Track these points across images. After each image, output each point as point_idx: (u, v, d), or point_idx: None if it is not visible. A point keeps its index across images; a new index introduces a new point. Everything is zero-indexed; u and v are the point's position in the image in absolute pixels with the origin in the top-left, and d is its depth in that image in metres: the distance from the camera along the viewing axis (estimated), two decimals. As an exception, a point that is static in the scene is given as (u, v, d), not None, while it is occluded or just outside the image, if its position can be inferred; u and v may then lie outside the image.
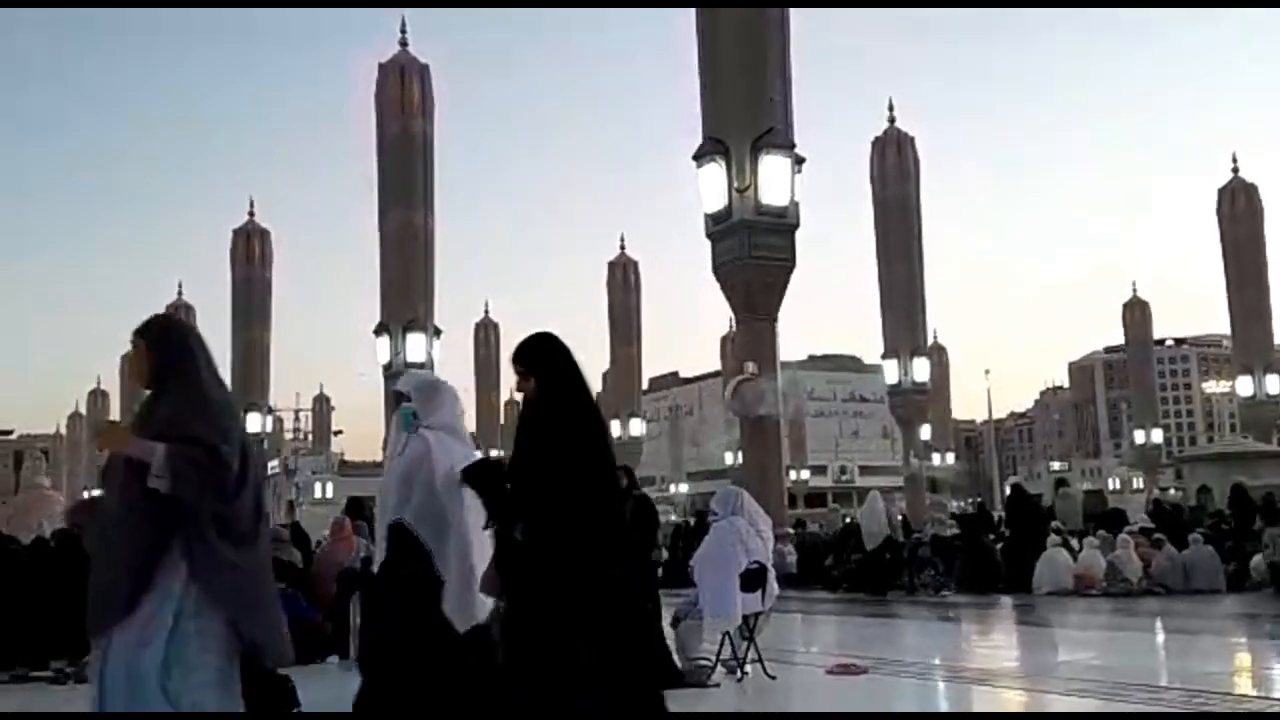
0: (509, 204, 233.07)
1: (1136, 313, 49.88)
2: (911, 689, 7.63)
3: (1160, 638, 11.86)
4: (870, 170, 34.02)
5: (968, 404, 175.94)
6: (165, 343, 3.64)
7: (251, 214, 38.17)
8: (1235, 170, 37.61)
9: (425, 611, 4.61)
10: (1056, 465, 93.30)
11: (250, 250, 37.71)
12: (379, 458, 47.73)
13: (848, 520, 24.66)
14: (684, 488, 64.10)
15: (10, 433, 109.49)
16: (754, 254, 16.96)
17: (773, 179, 16.92)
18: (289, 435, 69.88)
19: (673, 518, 37.09)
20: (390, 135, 27.15)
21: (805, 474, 63.00)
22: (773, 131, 17.01)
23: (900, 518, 20.55)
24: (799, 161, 17.28)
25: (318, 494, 48.36)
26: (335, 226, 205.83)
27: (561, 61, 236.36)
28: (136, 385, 3.72)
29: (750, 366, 17.19)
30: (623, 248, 45.62)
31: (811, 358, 79.19)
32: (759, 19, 17.79)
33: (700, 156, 17.45)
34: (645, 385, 53.62)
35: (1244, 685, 7.65)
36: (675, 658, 7.55)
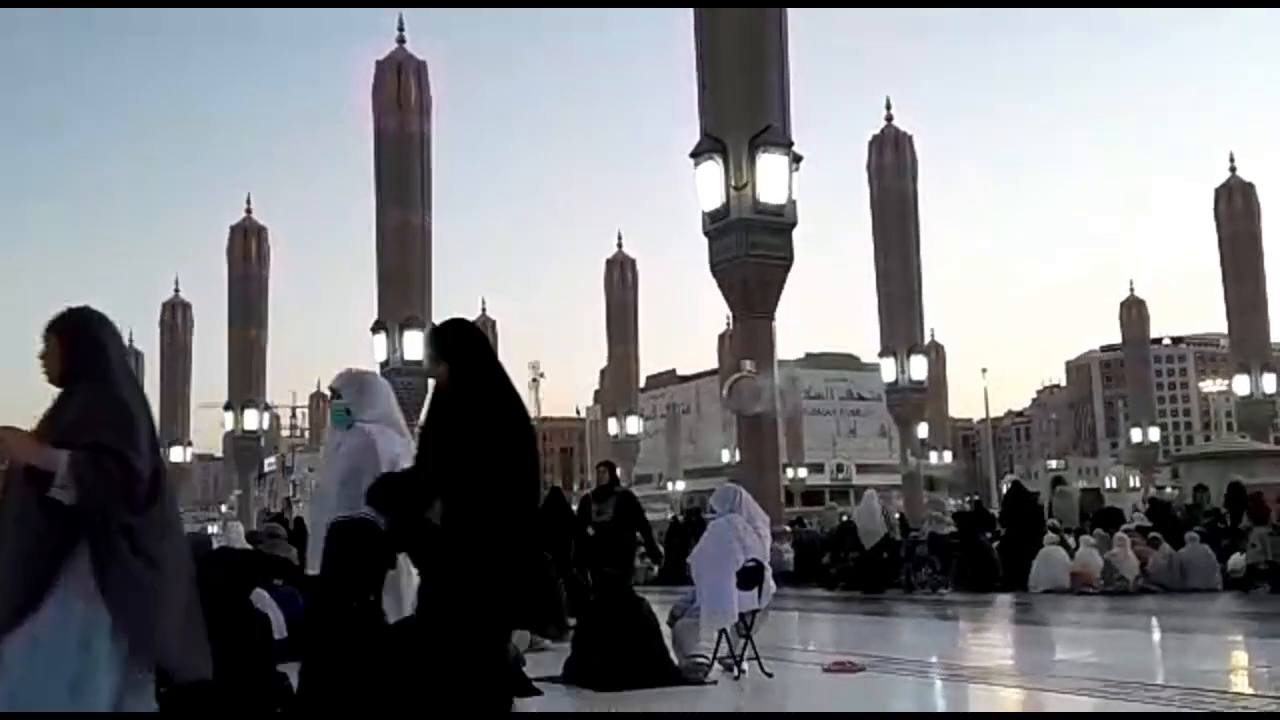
0: (506, 201, 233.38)
1: (1133, 311, 49.93)
2: (909, 687, 7.63)
3: (1157, 636, 11.87)
4: (868, 168, 34.04)
5: (965, 402, 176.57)
6: (77, 339, 3.40)
7: (249, 211, 38.15)
8: (1232, 169, 37.66)
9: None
10: (1053, 464, 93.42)
11: (247, 247, 37.68)
12: (376, 455, 47.77)
13: (844, 518, 24.68)
14: (681, 485, 64.11)
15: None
16: (751, 252, 16.97)
17: (770, 177, 16.93)
18: (285, 432, 69.93)
19: (669, 515, 37.12)
20: (387, 133, 27.14)
21: (802, 472, 63.09)
22: (770, 129, 17.01)
23: (898, 516, 20.56)
24: (796, 160, 17.29)
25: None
26: (333, 224, 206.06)
27: (559, 59, 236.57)
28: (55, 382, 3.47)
29: (748, 364, 17.20)
30: (620, 245, 45.64)
31: (809, 356, 79.25)
32: (757, 18, 17.79)
33: (698, 154, 17.45)
34: (643, 383, 53.69)
35: (1240, 684, 7.66)
36: (672, 655, 7.55)
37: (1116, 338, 55.49)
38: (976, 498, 46.18)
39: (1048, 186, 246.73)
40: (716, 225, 17.35)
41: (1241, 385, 37.57)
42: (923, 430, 39.50)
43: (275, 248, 38.76)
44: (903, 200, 33.39)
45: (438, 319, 28.99)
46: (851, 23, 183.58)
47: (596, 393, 78.85)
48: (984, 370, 69.86)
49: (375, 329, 26.65)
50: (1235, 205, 37.24)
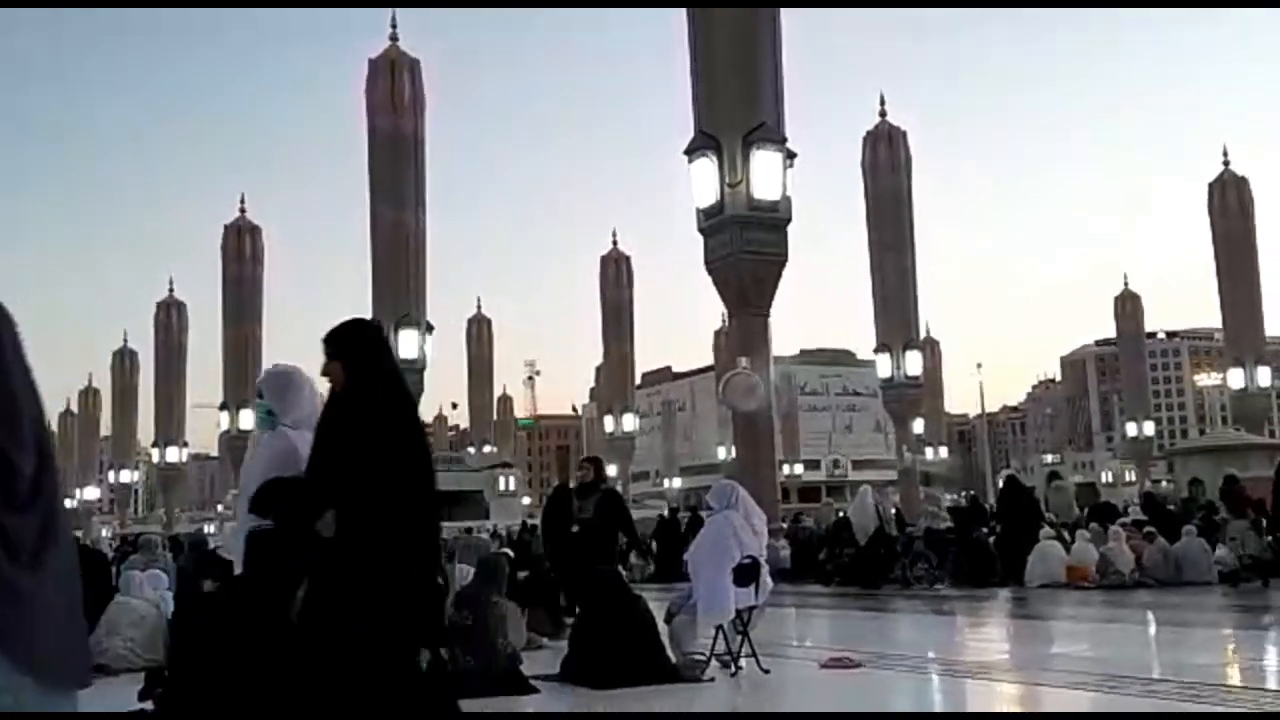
0: (501, 199, 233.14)
1: (1128, 306, 50.04)
2: (906, 683, 7.63)
3: (1153, 630, 11.90)
4: (862, 165, 34.08)
5: (960, 398, 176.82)
6: None
7: (243, 210, 38.13)
8: (1226, 164, 37.72)
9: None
10: (1049, 458, 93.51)
11: (241, 246, 37.66)
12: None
13: (840, 514, 24.69)
14: (677, 483, 64.17)
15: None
16: (746, 248, 16.98)
17: (764, 174, 16.94)
18: (281, 432, 69.95)
19: (664, 512, 37.11)
20: (381, 131, 27.10)
21: (799, 468, 63.15)
22: (764, 126, 17.02)
23: (894, 511, 20.58)
24: (790, 156, 17.29)
25: (311, 491, 48.13)
26: (328, 222, 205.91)
27: (553, 57, 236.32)
28: None
29: (743, 361, 17.19)
30: (615, 243, 45.66)
31: (804, 352, 79.29)
32: (750, 16, 17.79)
33: (692, 151, 17.46)
34: (638, 380, 53.67)
35: (1236, 677, 7.67)
36: (669, 653, 7.55)
37: (1112, 332, 55.63)
38: (972, 493, 46.23)
39: (1043, 182, 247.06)
40: (711, 222, 17.36)
41: (1236, 379, 37.65)
42: (918, 426, 39.58)
43: (270, 247, 38.80)
44: (897, 196, 33.45)
45: (433, 318, 28.83)
46: (845, 20, 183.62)
47: (592, 390, 78.90)
48: (979, 365, 70.24)
49: (370, 328, 26.63)
50: (1229, 200, 37.31)
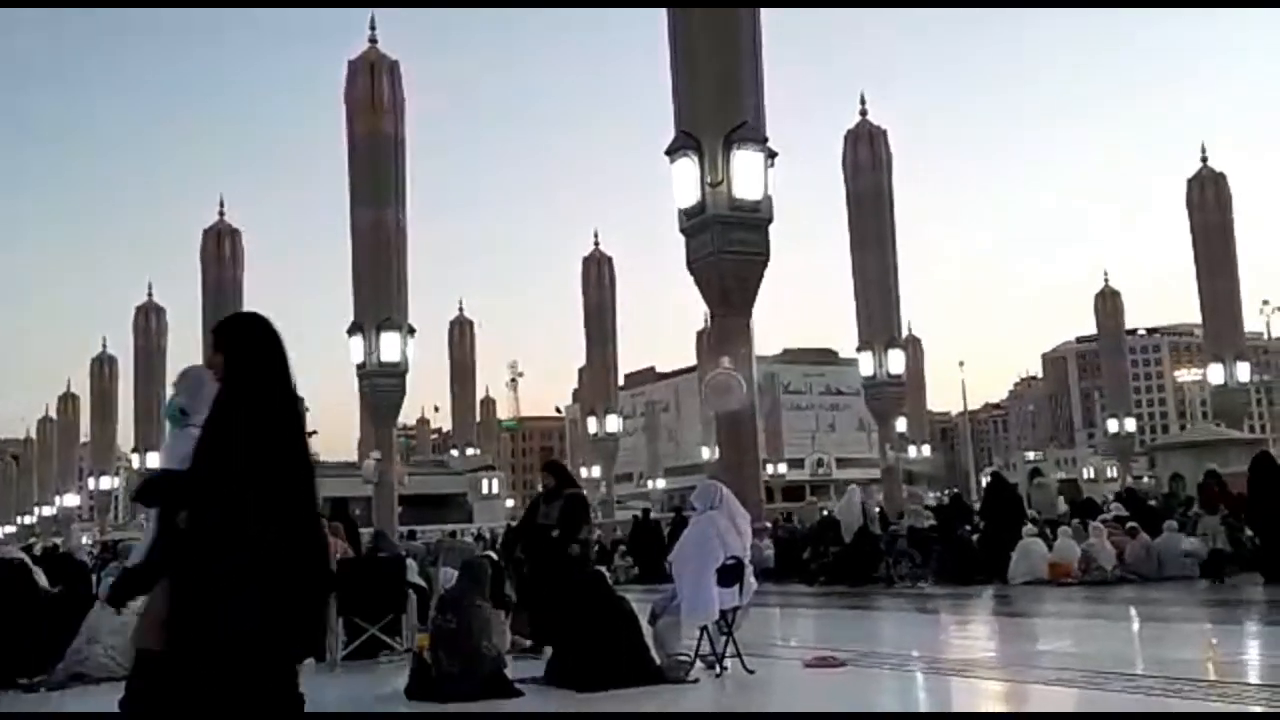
0: (482, 201, 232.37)
1: (1108, 303, 50.33)
2: (891, 681, 7.64)
3: (1135, 625, 11.95)
4: (843, 163, 34.16)
5: (943, 396, 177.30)
6: None
7: (222, 213, 37.95)
8: (1204, 160, 37.99)
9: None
10: (1031, 455, 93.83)
11: (221, 250, 37.49)
12: (354, 458, 47.57)
13: (824, 513, 24.73)
14: (662, 483, 64.13)
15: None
16: (728, 248, 16.98)
17: (745, 173, 16.95)
18: (264, 435, 69.69)
19: (638, 514, 37.08)
20: (360, 133, 27.06)
21: (782, 468, 63.17)
22: (745, 126, 17.03)
23: (878, 510, 20.64)
24: (771, 156, 17.30)
25: (293, 495, 47.90)
26: (309, 225, 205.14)
27: (534, 58, 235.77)
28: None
29: (725, 361, 17.19)
30: (597, 244, 45.62)
31: (787, 351, 79.30)
32: (731, 15, 17.80)
33: (673, 151, 17.45)
34: (621, 381, 53.63)
35: (1217, 671, 7.70)
36: (654, 654, 7.53)
37: (1092, 329, 55.93)
38: (955, 491, 46.47)
39: (1023, 180, 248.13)
40: (693, 222, 17.36)
41: (1216, 374, 37.93)
42: (901, 424, 39.73)
43: (250, 250, 38.63)
44: (878, 194, 33.55)
45: (414, 320, 28.74)
46: (825, 19, 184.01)
47: (575, 391, 78.73)
48: (961, 363, 70.50)
49: (352, 330, 26.55)
50: (1208, 196, 37.59)
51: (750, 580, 7.90)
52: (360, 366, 26.28)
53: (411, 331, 26.81)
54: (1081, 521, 18.01)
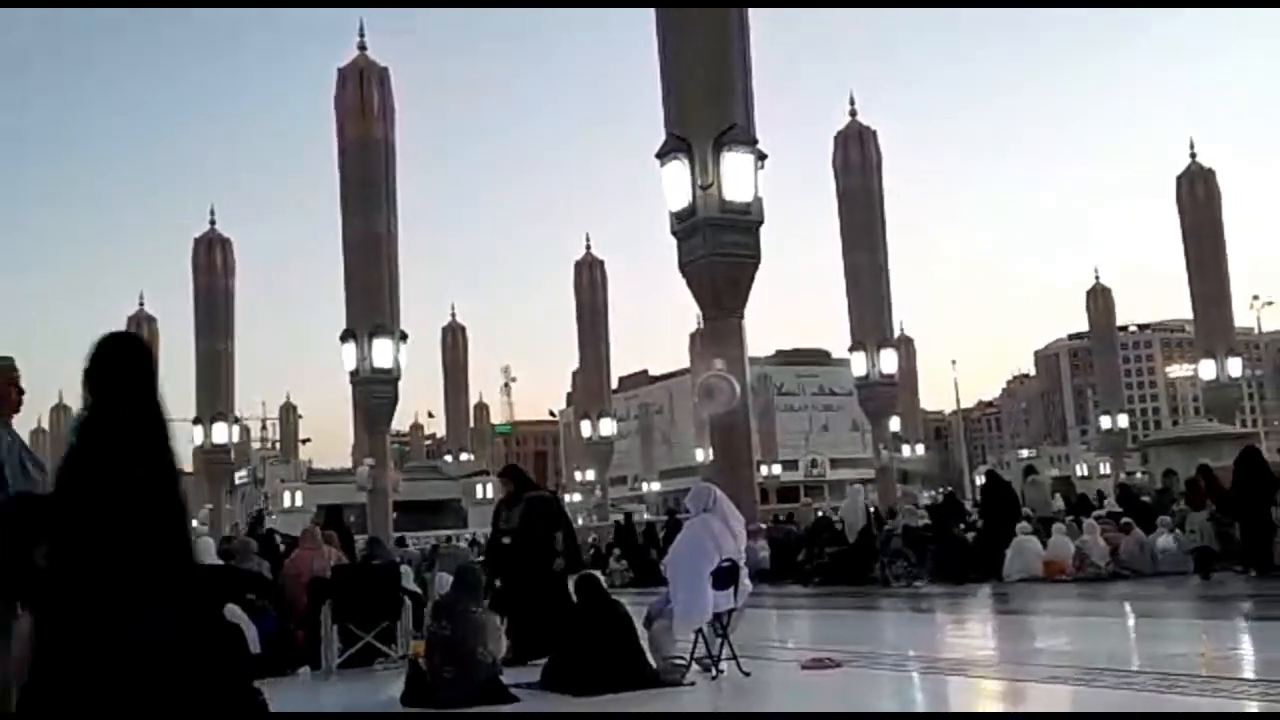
0: (473, 206, 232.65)
1: (1100, 300, 50.45)
2: (887, 682, 7.64)
3: (1130, 622, 11.98)
4: (833, 164, 34.19)
5: (936, 395, 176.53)
6: None
7: (213, 222, 37.85)
8: (1193, 156, 38.09)
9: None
10: (1024, 453, 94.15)
11: (212, 259, 37.42)
12: (349, 464, 47.50)
13: (820, 514, 24.75)
14: (656, 486, 64.19)
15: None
16: (719, 251, 16.97)
17: (736, 176, 16.93)
18: (257, 444, 69.42)
19: (646, 516, 37.12)
20: (350, 140, 27.04)
21: (777, 469, 63.21)
22: (735, 128, 17.02)
23: (873, 510, 20.70)
24: (762, 157, 17.30)
25: (287, 503, 48.04)
26: (300, 233, 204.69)
27: (524, 62, 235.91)
28: None
29: (718, 363, 17.18)
30: (589, 248, 45.63)
31: (780, 353, 79.38)
32: (720, 16, 17.80)
33: (663, 154, 17.44)
34: (615, 384, 53.63)
35: (1212, 667, 7.72)
36: (650, 658, 7.53)
37: (1084, 326, 56.07)
38: (949, 489, 46.56)
39: (1013, 178, 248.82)
40: (684, 225, 17.35)
41: (1207, 370, 38.01)
42: (895, 424, 39.72)
43: (240, 258, 38.54)
44: (868, 195, 33.58)
45: (407, 326, 28.63)
46: (815, 20, 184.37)
47: (569, 395, 78.76)
48: (954, 362, 70.53)
49: (344, 338, 26.52)
50: (1197, 192, 37.67)
51: (745, 582, 7.90)
52: (353, 373, 26.25)
53: (404, 337, 26.78)
54: (1075, 519, 18.05)
